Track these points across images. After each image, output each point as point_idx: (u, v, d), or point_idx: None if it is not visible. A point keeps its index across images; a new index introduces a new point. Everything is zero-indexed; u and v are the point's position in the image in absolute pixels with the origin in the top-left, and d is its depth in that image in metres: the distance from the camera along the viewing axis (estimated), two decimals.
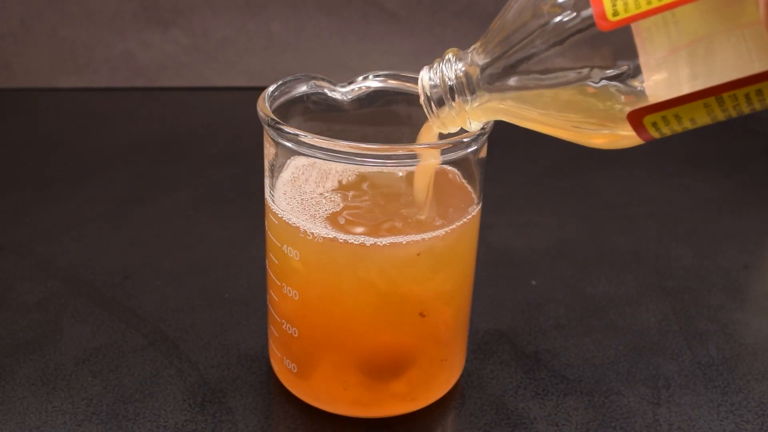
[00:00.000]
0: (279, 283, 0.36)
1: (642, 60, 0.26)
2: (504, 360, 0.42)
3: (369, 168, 0.34)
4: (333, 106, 0.37)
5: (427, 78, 0.31)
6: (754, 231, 0.57)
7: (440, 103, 0.31)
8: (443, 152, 0.31)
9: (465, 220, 0.34)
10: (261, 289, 0.46)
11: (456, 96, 0.31)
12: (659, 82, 0.26)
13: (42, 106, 0.75)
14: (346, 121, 0.38)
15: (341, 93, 0.37)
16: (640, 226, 0.56)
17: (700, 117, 0.26)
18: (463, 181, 0.37)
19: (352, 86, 0.38)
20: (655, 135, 0.28)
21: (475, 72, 0.30)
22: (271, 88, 0.35)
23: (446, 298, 0.36)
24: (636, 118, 0.27)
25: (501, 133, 0.42)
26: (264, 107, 0.34)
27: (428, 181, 0.34)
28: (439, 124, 0.32)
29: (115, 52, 0.78)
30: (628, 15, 0.25)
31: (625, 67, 0.26)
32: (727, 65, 0.25)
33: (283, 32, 0.79)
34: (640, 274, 0.50)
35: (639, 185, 0.63)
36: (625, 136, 0.28)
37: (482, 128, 0.33)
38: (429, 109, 0.32)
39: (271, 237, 0.36)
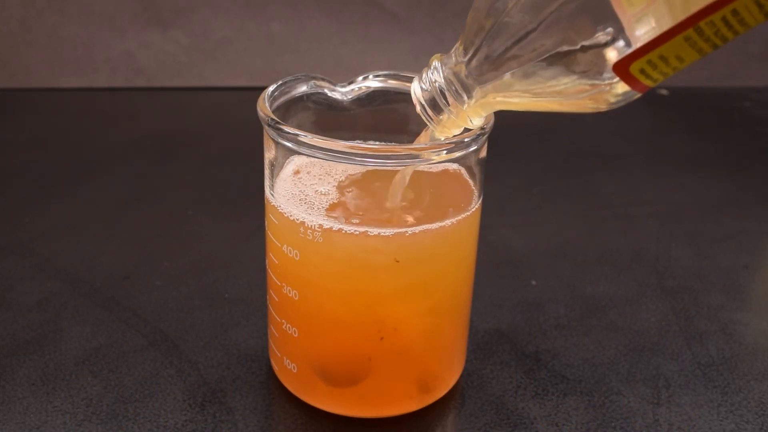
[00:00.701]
0: (279, 283, 0.36)
1: (622, 18, 0.26)
2: (504, 360, 0.42)
3: (369, 167, 0.34)
4: (333, 106, 0.38)
5: (418, 89, 0.32)
6: (754, 231, 0.57)
7: (437, 109, 0.32)
8: (443, 152, 0.31)
9: (466, 215, 0.34)
10: (261, 289, 0.46)
11: (450, 98, 0.31)
12: (639, 30, 0.26)
13: (42, 106, 0.75)
14: (346, 121, 0.38)
15: (341, 93, 0.37)
16: (640, 226, 0.56)
17: (686, 53, 0.26)
18: (466, 180, 0.37)
19: (352, 86, 0.38)
20: (648, 83, 0.27)
21: (462, 69, 0.30)
22: (271, 88, 0.35)
23: (448, 293, 0.36)
24: (622, 69, 0.27)
25: (501, 133, 0.42)
26: (264, 107, 0.34)
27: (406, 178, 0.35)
28: (441, 129, 0.32)
29: (115, 52, 0.78)
30: None
31: (603, 30, 0.26)
32: None
33: (283, 32, 0.79)
34: (640, 274, 0.50)
35: (639, 185, 0.63)
36: (621, 93, 0.28)
37: (482, 128, 0.33)
38: (428, 118, 0.32)
39: (271, 237, 0.36)
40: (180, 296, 0.46)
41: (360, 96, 0.38)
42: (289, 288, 0.35)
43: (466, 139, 0.32)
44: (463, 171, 0.37)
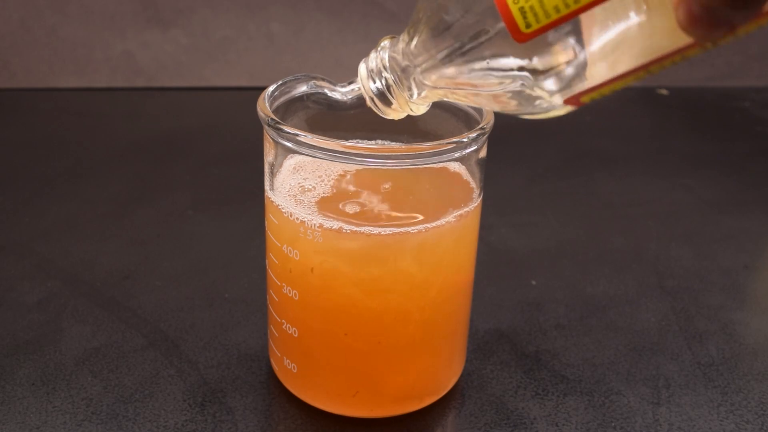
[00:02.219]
0: (279, 283, 0.36)
1: (582, 56, 0.26)
2: (504, 360, 0.42)
3: (369, 167, 0.34)
4: (333, 106, 0.37)
5: (370, 84, 0.32)
6: (754, 231, 0.57)
7: (385, 101, 0.32)
8: (443, 152, 0.31)
9: (466, 214, 0.34)
10: (261, 289, 0.46)
11: (395, 90, 0.31)
12: (599, 70, 0.26)
13: (42, 106, 0.75)
14: (346, 121, 0.38)
15: (341, 93, 0.37)
16: (640, 226, 0.56)
17: (631, 82, 0.27)
18: (466, 179, 0.37)
19: (352, 86, 0.37)
20: (587, 101, 0.28)
21: (408, 64, 0.30)
22: (271, 88, 0.35)
23: (448, 293, 0.36)
24: (574, 101, 0.27)
25: (501, 133, 0.42)
26: (264, 107, 0.34)
27: None
28: (388, 113, 0.33)
29: (115, 52, 0.78)
30: (539, 26, 0.25)
31: (558, 68, 0.26)
32: (656, 44, 0.25)
33: (283, 32, 0.79)
34: (640, 274, 0.50)
35: (639, 185, 0.63)
36: (562, 112, 0.29)
37: (482, 128, 0.33)
38: (378, 109, 0.32)
39: (271, 237, 0.36)
40: (180, 296, 0.46)
41: (360, 96, 0.38)
42: (289, 288, 0.35)
43: (465, 139, 0.32)
44: (464, 170, 0.37)
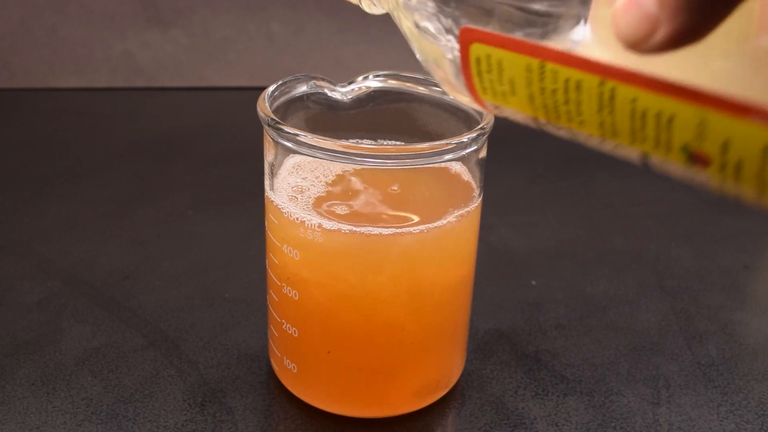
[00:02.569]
0: (279, 283, 0.36)
1: None
2: (504, 360, 0.42)
3: (369, 167, 0.34)
4: (333, 106, 0.38)
5: None
6: (754, 231, 0.57)
7: None
8: (443, 152, 0.31)
9: (466, 214, 0.34)
10: (261, 289, 0.46)
11: None
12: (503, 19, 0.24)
13: (42, 106, 0.75)
14: (346, 121, 0.38)
15: (341, 93, 0.37)
16: (640, 226, 0.56)
17: (518, 83, 0.23)
18: (466, 179, 0.37)
19: (352, 86, 0.38)
20: (477, 85, 0.25)
21: None
22: (271, 88, 0.35)
23: (448, 293, 0.36)
24: (465, 39, 0.24)
25: (501, 133, 0.42)
26: (264, 107, 0.34)
27: None
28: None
29: (115, 52, 0.78)
30: None
31: None
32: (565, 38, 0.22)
33: (283, 32, 0.79)
34: (640, 274, 0.50)
35: (639, 185, 0.63)
36: (457, 79, 0.26)
37: (482, 128, 0.33)
38: None
39: (271, 237, 0.36)
40: (180, 296, 0.46)
41: (360, 96, 0.38)
42: (289, 288, 0.35)
43: (465, 139, 0.32)
44: (464, 170, 0.37)
